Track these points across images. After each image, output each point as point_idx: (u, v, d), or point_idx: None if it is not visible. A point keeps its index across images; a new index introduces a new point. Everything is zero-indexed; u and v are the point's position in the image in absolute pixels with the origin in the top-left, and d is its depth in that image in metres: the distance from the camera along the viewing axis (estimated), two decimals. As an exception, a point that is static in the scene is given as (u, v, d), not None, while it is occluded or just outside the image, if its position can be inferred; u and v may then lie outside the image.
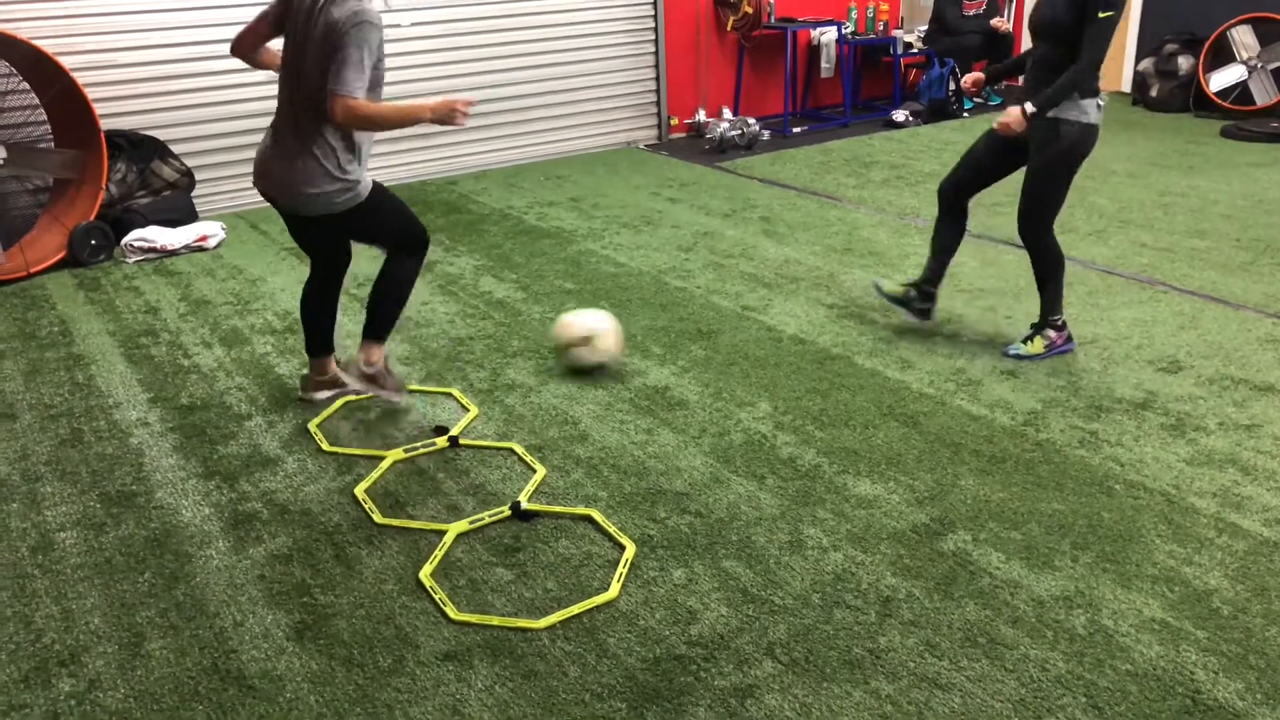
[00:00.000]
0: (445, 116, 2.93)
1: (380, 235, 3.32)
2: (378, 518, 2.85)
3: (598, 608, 2.46)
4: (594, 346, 3.69)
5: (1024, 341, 3.71)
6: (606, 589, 2.52)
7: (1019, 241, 4.92)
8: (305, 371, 3.71)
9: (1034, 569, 2.55)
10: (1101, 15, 3.24)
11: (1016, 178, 3.72)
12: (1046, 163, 3.47)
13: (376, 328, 3.39)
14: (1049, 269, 3.65)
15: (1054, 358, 3.70)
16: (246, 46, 3.26)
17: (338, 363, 3.65)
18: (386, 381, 3.43)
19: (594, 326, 3.70)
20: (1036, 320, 3.75)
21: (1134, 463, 3.01)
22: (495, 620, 2.42)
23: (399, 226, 3.29)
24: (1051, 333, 3.69)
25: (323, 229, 3.26)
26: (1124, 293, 4.31)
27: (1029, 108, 3.40)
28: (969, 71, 8.42)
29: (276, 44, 3.25)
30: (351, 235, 3.33)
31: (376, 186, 3.25)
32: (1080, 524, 2.72)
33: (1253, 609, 2.37)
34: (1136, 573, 2.52)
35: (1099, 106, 3.42)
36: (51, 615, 2.52)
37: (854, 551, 2.64)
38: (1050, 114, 3.39)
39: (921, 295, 3.93)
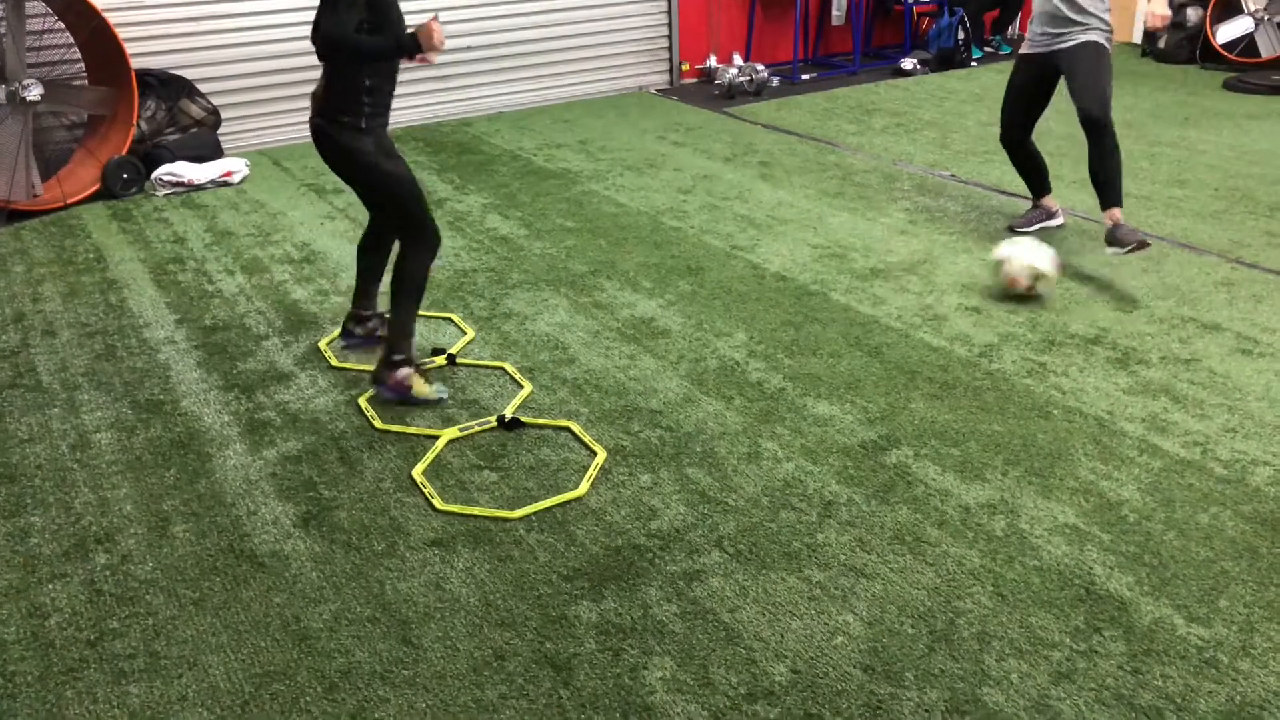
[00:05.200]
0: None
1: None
2: (378, 424, 3.16)
3: (570, 504, 2.77)
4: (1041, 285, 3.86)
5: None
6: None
7: (1005, 189, 5.20)
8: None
9: (966, 480, 2.82)
10: None
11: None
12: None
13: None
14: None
15: (1017, 299, 3.92)
16: None
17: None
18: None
19: (1038, 268, 3.84)
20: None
21: (1075, 391, 3.25)
22: (476, 510, 2.72)
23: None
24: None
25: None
26: (1097, 238, 4.50)
27: None
28: (978, 22, 8.51)
29: None
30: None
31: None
32: (1015, 443, 2.98)
33: (1156, 517, 2.63)
34: (1059, 485, 2.78)
35: None
36: (89, 502, 2.85)
37: (805, 462, 2.92)
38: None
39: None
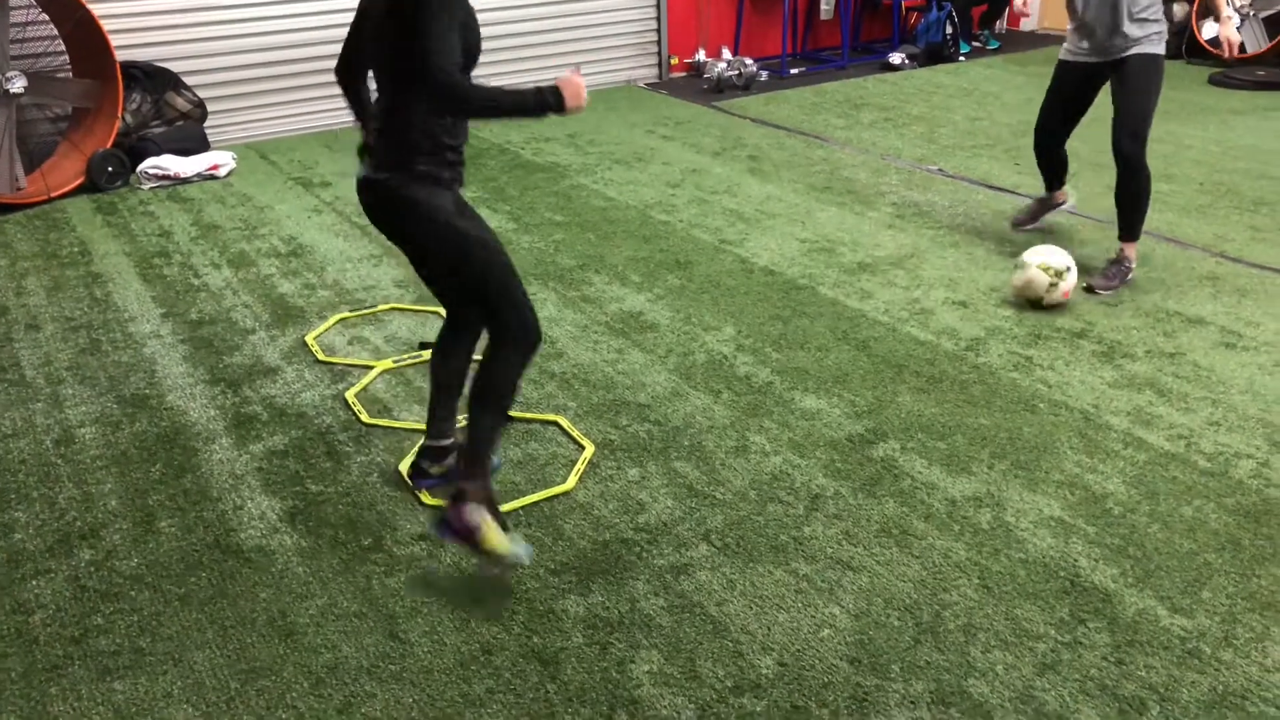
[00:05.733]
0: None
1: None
2: (365, 418, 3.15)
3: (557, 499, 2.76)
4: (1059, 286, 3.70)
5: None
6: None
7: (992, 183, 5.22)
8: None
9: (952, 474, 2.82)
10: None
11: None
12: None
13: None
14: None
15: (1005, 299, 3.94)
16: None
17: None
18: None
19: (1057, 265, 3.69)
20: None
21: (1060, 384, 3.26)
22: (463, 506, 2.72)
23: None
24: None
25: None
26: (1084, 232, 4.52)
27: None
28: (965, 17, 8.53)
29: None
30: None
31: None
32: (1001, 436, 2.99)
33: (1141, 509, 2.65)
34: (1044, 478, 2.79)
35: None
36: (73, 497, 2.84)
37: (792, 456, 2.92)
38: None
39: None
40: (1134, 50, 3.80)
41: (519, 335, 2.42)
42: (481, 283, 2.40)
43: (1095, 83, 4.00)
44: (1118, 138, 3.83)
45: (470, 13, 2.28)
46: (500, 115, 2.27)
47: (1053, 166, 4.34)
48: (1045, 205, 4.51)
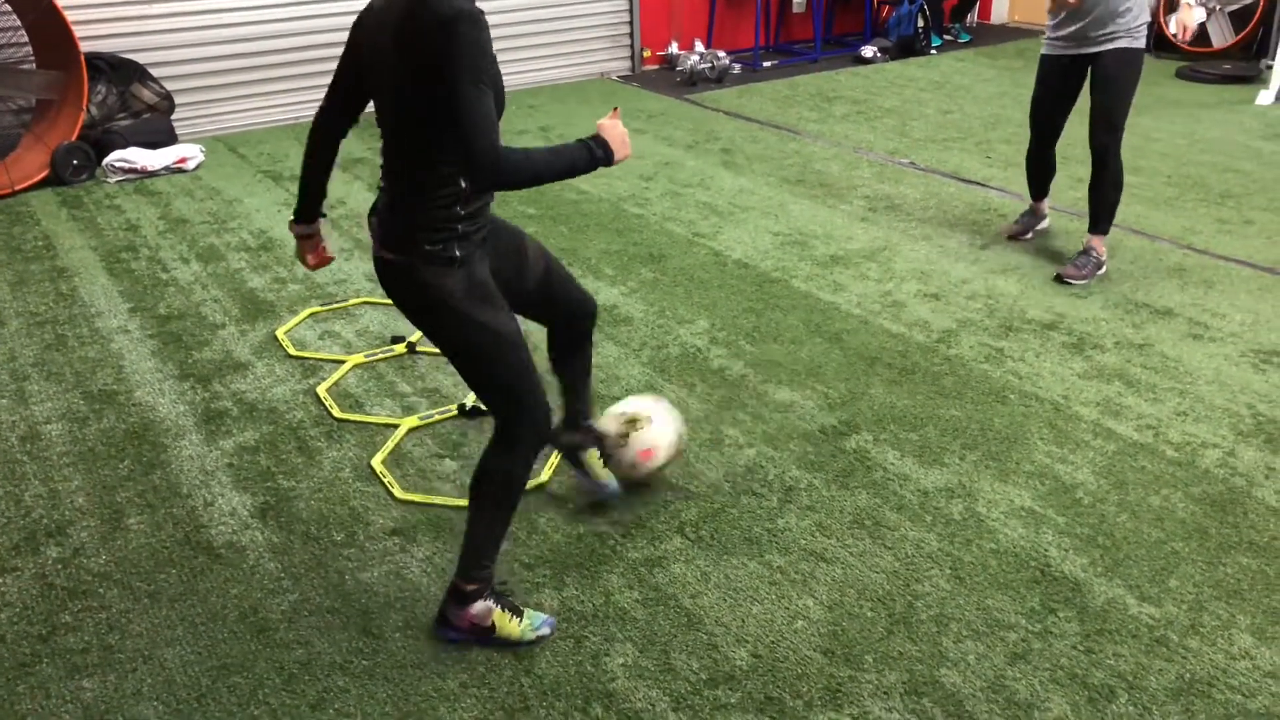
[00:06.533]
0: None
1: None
2: (336, 413, 3.13)
3: (531, 492, 2.75)
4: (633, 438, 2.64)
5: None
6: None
7: (963, 176, 5.20)
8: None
9: (924, 465, 2.84)
10: None
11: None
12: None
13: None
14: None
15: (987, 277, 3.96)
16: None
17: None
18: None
19: (638, 412, 2.68)
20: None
21: (1031, 376, 3.29)
22: (437, 500, 2.71)
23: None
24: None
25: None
26: (1053, 224, 4.56)
27: None
28: (937, 10, 8.57)
29: None
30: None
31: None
32: (973, 428, 3.02)
33: (1110, 499, 2.68)
34: (1015, 469, 2.82)
35: None
36: (39, 495, 2.80)
37: (766, 448, 2.93)
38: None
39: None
40: (1115, 45, 3.72)
41: (524, 437, 2.17)
42: (486, 379, 2.14)
43: (1078, 73, 3.90)
44: (1093, 130, 3.84)
45: (495, 61, 1.96)
46: (549, 182, 1.99)
47: (1043, 171, 4.26)
48: (1035, 216, 4.42)
